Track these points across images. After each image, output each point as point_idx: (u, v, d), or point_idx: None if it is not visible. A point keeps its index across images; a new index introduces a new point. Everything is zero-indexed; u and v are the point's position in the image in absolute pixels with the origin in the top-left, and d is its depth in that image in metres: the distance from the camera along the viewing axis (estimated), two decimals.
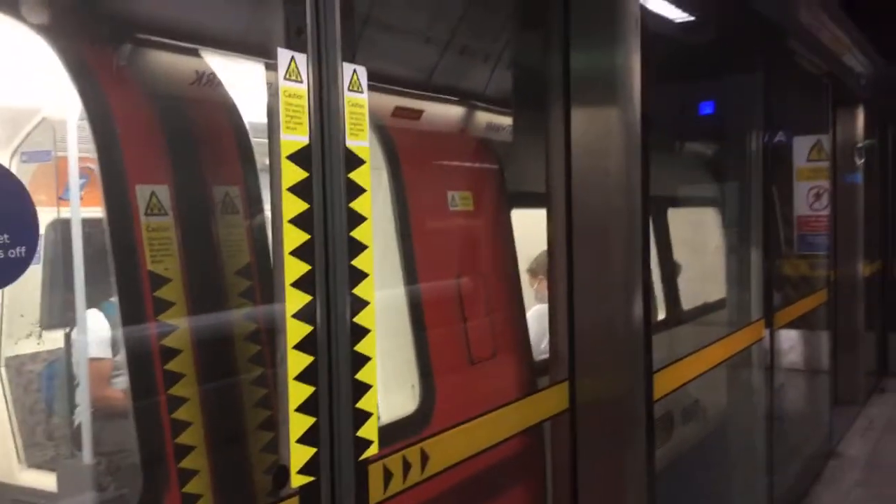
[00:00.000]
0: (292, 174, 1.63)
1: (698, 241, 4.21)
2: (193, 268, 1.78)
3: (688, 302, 3.78)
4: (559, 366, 2.71)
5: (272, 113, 1.64)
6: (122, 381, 3.77)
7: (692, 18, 3.57)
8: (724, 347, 3.59)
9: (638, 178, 2.63)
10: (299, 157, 1.64)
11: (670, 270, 3.81)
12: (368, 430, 1.81)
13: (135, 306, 1.69)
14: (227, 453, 1.77)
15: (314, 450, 1.69)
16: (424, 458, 2.04)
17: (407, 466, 1.99)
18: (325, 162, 1.70)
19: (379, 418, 1.84)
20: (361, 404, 1.79)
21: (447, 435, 2.15)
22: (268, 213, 1.80)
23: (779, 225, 4.61)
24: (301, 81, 1.65)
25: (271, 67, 1.62)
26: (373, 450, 1.82)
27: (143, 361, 1.70)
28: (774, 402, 4.35)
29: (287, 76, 1.62)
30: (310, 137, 1.67)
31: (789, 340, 4.80)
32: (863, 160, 7.10)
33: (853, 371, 7.14)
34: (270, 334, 1.79)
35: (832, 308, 6.03)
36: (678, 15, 3.42)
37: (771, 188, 4.39)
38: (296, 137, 1.64)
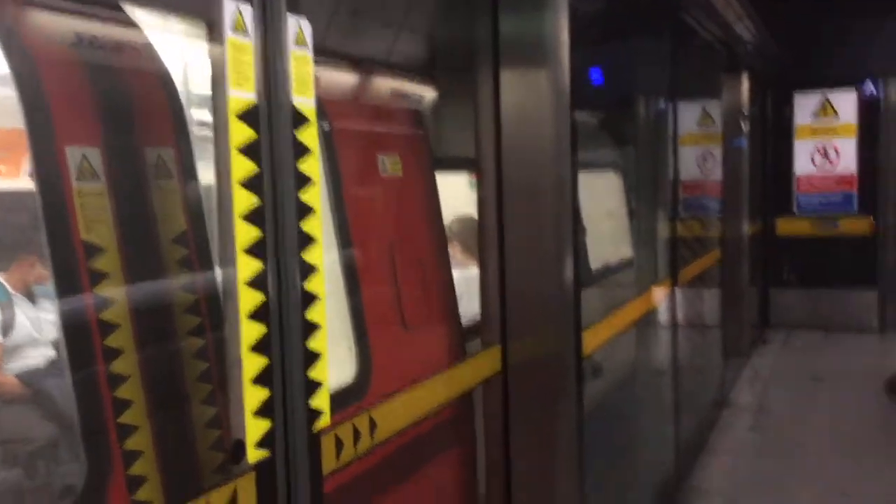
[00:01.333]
0: (241, 134, 1.54)
1: (607, 203, 4.29)
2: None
3: (601, 262, 3.85)
4: (492, 329, 2.71)
5: (217, 68, 1.54)
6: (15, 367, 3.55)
7: None
8: (641, 305, 3.69)
9: (568, 142, 2.65)
10: (247, 116, 1.55)
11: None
12: (320, 400, 1.76)
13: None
14: (175, 431, 1.68)
15: (269, 423, 1.62)
16: (372, 425, 2.01)
17: (357, 435, 1.95)
18: (273, 121, 1.62)
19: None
20: (313, 374, 1.73)
21: (392, 401, 2.12)
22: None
23: (679, 189, 4.75)
24: (247, 34, 1.55)
25: (213, 19, 1.52)
26: (325, 420, 1.77)
27: (80, 338, 1.58)
28: (677, 356, 4.52)
29: (234, 28, 1.52)
30: (257, 95, 1.58)
31: (688, 296, 4.97)
32: (747, 124, 7.40)
33: (739, 325, 7.50)
34: (215, 304, 1.70)
35: (721, 266, 6.29)
36: None
37: (674, 152, 4.52)
38: (243, 94, 1.55)
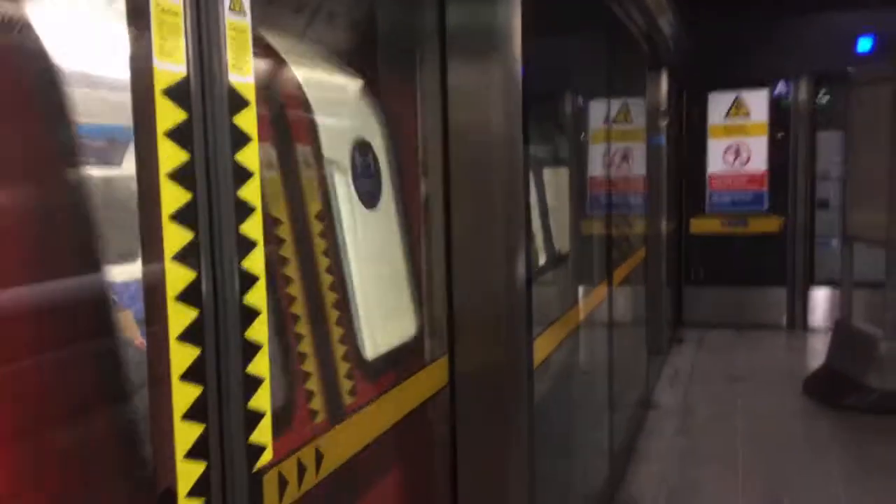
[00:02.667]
0: (169, 114, 1.26)
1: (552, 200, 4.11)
2: None
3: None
4: (439, 339, 2.47)
5: (136, 36, 1.26)
6: None
7: None
8: (585, 307, 3.52)
9: (520, 138, 2.44)
10: (177, 93, 1.27)
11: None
12: (262, 434, 1.48)
13: None
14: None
15: (204, 464, 1.35)
16: (319, 457, 1.74)
17: (302, 470, 1.67)
18: (206, 101, 1.34)
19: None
20: (254, 403, 1.46)
21: (339, 428, 1.85)
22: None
23: (612, 186, 4.62)
24: None
25: None
26: (267, 455, 1.50)
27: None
28: (613, 356, 4.39)
29: None
30: (187, 68, 1.30)
31: (620, 296, 4.86)
32: (666, 122, 7.40)
33: (658, 323, 7.49)
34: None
35: (645, 265, 6.23)
36: None
37: (609, 151, 4.38)
38: (172, 66, 1.26)
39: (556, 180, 3.95)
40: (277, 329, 1.81)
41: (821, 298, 8.78)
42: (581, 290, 3.68)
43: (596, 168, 4.31)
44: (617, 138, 4.98)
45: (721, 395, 6.38)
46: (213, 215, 1.35)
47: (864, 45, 8.09)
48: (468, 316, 2.48)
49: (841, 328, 6.51)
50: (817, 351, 7.47)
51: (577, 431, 3.81)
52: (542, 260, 3.51)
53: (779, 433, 5.44)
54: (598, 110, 4.36)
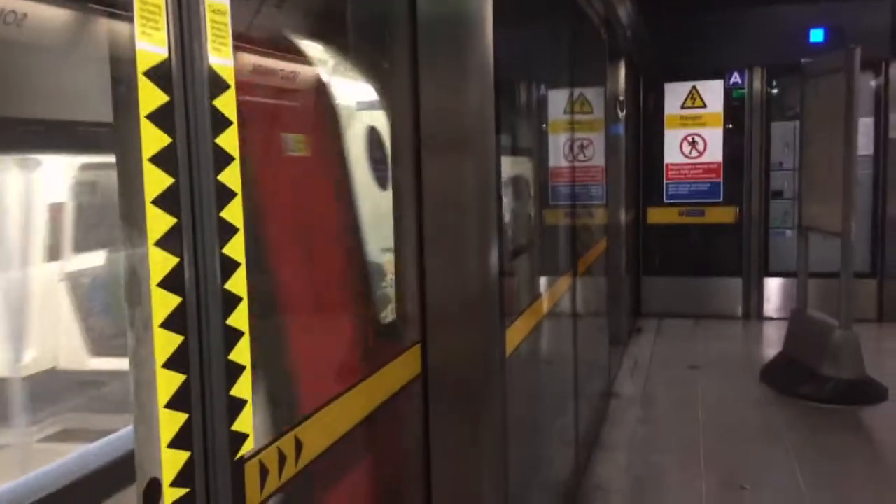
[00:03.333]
0: (151, 96, 1.23)
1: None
2: None
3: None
4: (411, 327, 2.46)
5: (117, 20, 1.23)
6: None
7: None
8: (551, 297, 3.54)
9: (492, 124, 2.43)
10: (158, 75, 1.24)
11: None
12: (244, 422, 1.47)
13: None
14: None
15: (188, 454, 1.32)
16: (299, 446, 1.72)
17: (282, 459, 1.66)
18: (187, 83, 1.31)
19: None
20: (236, 391, 1.44)
21: (318, 417, 1.83)
22: None
23: (574, 176, 4.64)
24: None
25: None
26: (248, 445, 1.49)
27: None
28: (577, 347, 4.42)
29: None
30: (169, 50, 1.27)
31: (584, 286, 4.89)
32: (624, 112, 7.46)
33: (617, 313, 7.56)
34: None
35: (609, 255, 6.29)
36: None
37: (571, 140, 4.40)
38: (153, 48, 1.24)
39: (520, 170, 3.96)
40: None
41: (776, 288, 8.94)
42: (547, 280, 3.69)
43: (558, 158, 4.33)
44: (578, 128, 5.00)
45: (680, 383, 6.47)
46: (194, 200, 1.33)
47: (816, 36, 8.26)
48: (441, 304, 2.47)
49: (797, 317, 6.64)
50: (772, 340, 7.63)
51: (546, 420, 3.83)
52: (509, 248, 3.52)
53: (737, 421, 5.53)
54: (559, 99, 4.37)
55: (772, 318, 8.82)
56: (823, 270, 6.67)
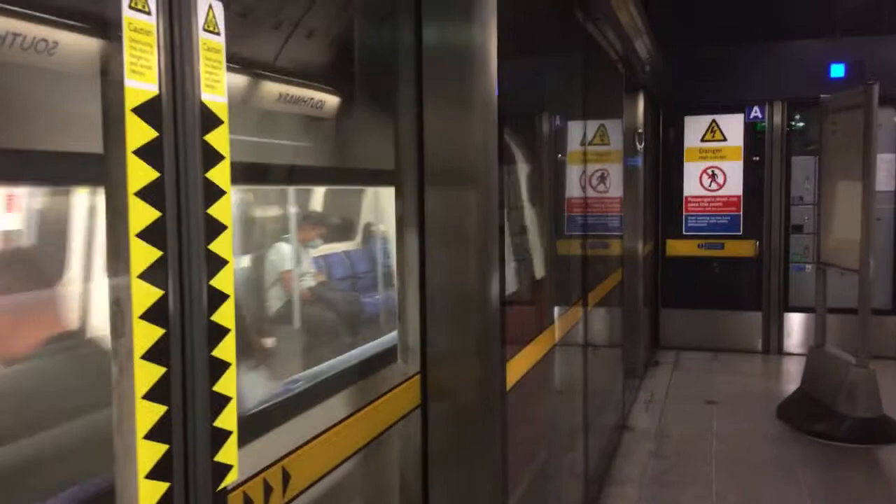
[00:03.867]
0: (139, 132, 1.26)
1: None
2: None
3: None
4: (411, 357, 2.47)
5: (107, 54, 1.26)
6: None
7: None
8: (560, 328, 3.53)
9: (496, 156, 2.45)
10: (148, 111, 1.27)
11: None
12: (228, 453, 1.47)
13: None
14: None
15: (167, 484, 1.33)
16: (286, 478, 1.73)
17: (268, 490, 1.66)
18: (178, 119, 1.34)
19: None
20: (220, 422, 1.45)
21: (307, 449, 1.84)
22: None
23: (587, 207, 4.65)
24: (149, 13, 1.27)
25: None
26: (232, 475, 1.49)
27: None
28: (587, 380, 4.39)
29: (132, 4, 1.24)
30: (159, 87, 1.30)
31: (596, 317, 4.87)
32: (643, 144, 7.46)
33: (634, 346, 7.51)
34: None
35: (622, 286, 6.26)
36: None
37: (584, 171, 4.41)
38: (143, 85, 1.26)
39: (534, 200, 3.98)
40: None
41: (796, 323, 8.84)
42: (555, 312, 3.69)
43: (572, 190, 4.33)
44: (593, 160, 5.02)
45: (696, 418, 6.40)
46: (181, 233, 1.35)
47: (837, 71, 8.22)
48: (441, 336, 2.48)
49: (815, 354, 6.56)
50: (791, 375, 7.54)
51: (552, 453, 3.80)
52: (515, 279, 3.52)
53: (752, 457, 5.46)
54: (574, 132, 4.39)
55: (792, 354, 8.71)
56: (843, 306, 6.59)
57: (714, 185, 8.87)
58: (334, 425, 1.98)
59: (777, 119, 8.72)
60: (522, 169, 3.94)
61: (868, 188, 5.63)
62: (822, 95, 6.57)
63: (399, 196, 2.51)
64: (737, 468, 5.23)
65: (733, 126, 8.81)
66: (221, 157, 1.45)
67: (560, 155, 4.31)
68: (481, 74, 2.44)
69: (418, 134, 2.45)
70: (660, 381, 7.68)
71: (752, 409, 6.60)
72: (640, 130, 7.37)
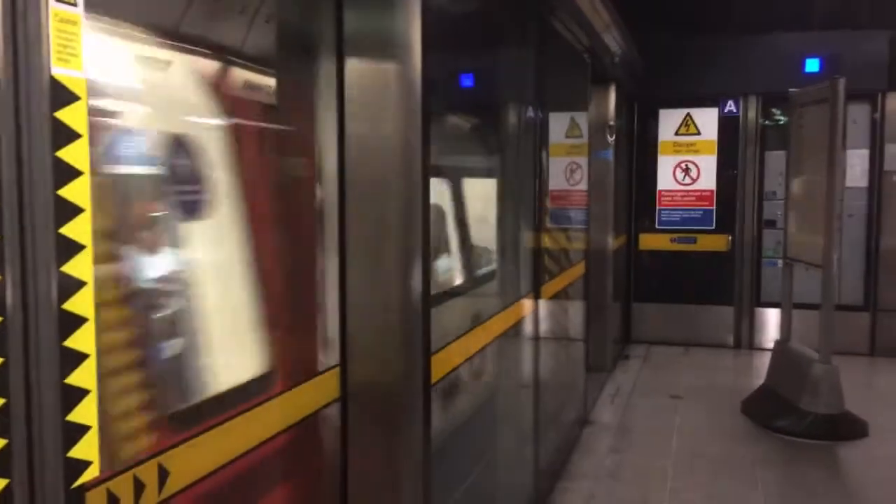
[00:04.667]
0: None
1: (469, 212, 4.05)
2: None
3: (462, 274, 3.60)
4: (330, 350, 2.40)
5: None
6: None
7: None
8: (500, 322, 3.46)
9: (419, 145, 2.38)
10: None
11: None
12: (85, 449, 1.40)
13: None
14: None
15: (5, 481, 1.26)
16: (163, 474, 1.65)
17: (139, 487, 1.59)
18: (21, 94, 1.26)
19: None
20: (75, 416, 1.37)
21: (193, 443, 1.76)
22: None
23: (546, 199, 4.58)
24: None
25: None
26: (92, 472, 1.42)
27: None
28: (539, 372, 4.33)
29: None
30: None
31: (552, 310, 4.81)
32: (613, 137, 7.39)
33: (602, 340, 7.47)
34: None
35: (587, 280, 6.20)
36: None
37: (540, 163, 4.34)
38: None
39: (481, 192, 3.91)
40: None
41: (768, 318, 8.81)
42: (499, 304, 3.62)
43: (528, 182, 4.26)
44: (553, 152, 4.94)
45: (659, 412, 6.35)
46: (23, 216, 1.27)
47: (812, 65, 8.18)
48: (361, 327, 2.41)
49: (779, 350, 6.52)
50: (760, 371, 7.47)
51: (493, 448, 3.74)
52: (457, 270, 3.46)
53: (711, 453, 5.42)
54: (532, 122, 4.31)
55: (764, 349, 8.66)
56: (815, 302, 6.56)
57: (688, 179, 8.82)
58: (228, 418, 1.90)
59: (751, 113, 8.67)
60: (468, 161, 3.87)
61: (833, 184, 5.58)
62: (790, 90, 6.51)
63: (319, 188, 2.43)
64: (695, 464, 5.18)
65: (708, 120, 8.75)
66: (78, 136, 1.37)
67: (516, 144, 4.24)
68: (404, 63, 2.37)
69: (339, 124, 2.38)
70: (628, 375, 7.64)
71: (716, 404, 6.56)
72: (610, 123, 7.30)
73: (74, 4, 1.37)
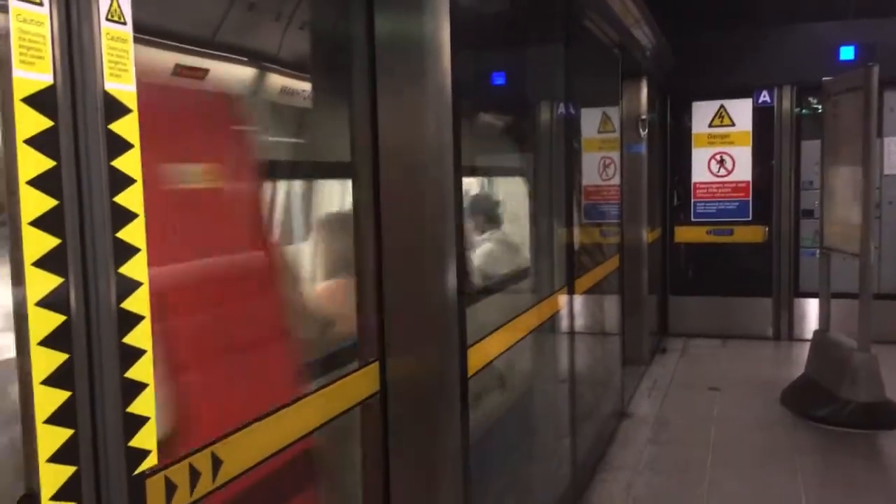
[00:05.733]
0: (30, 122, 1.27)
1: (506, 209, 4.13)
2: None
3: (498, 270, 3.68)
4: (369, 345, 2.48)
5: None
6: None
7: None
8: (534, 316, 3.52)
9: (450, 145, 2.45)
10: (39, 101, 1.28)
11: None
12: (145, 439, 1.50)
13: None
14: None
15: (73, 468, 1.36)
16: (217, 463, 1.75)
17: (195, 475, 1.68)
18: (78, 108, 1.36)
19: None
20: (134, 408, 1.47)
21: (243, 433, 1.86)
22: None
23: (578, 195, 4.63)
24: (41, 3, 1.29)
25: None
26: (151, 461, 1.51)
27: None
28: (575, 366, 4.38)
29: None
30: (54, 77, 1.31)
31: (587, 304, 4.86)
32: (646, 131, 7.40)
33: (639, 333, 7.49)
34: None
35: (621, 273, 6.23)
36: None
37: (572, 159, 4.39)
38: (34, 75, 1.28)
39: (514, 190, 3.97)
40: None
41: (808, 308, 8.73)
42: (533, 298, 3.69)
43: (561, 178, 4.31)
44: (586, 147, 4.99)
45: (698, 404, 6.37)
46: (84, 221, 1.37)
47: (847, 53, 8.10)
48: (399, 323, 2.49)
49: (819, 339, 6.49)
50: (799, 361, 7.43)
51: (531, 439, 3.81)
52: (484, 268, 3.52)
53: (750, 443, 5.42)
54: (563, 118, 4.36)
55: (804, 340, 8.57)
56: (851, 291, 6.50)
57: (723, 171, 8.79)
58: (276, 410, 1.99)
59: (786, 104, 8.60)
60: (500, 157, 3.94)
61: (868, 172, 5.55)
62: (824, 78, 6.47)
63: (356, 189, 2.52)
64: (734, 455, 5.19)
65: (742, 111, 8.71)
66: (130, 146, 1.46)
67: (548, 140, 4.29)
68: (433, 64, 2.44)
69: (373, 125, 2.46)
70: (666, 368, 7.65)
71: (755, 395, 6.55)
72: (643, 117, 7.31)
73: (124, 23, 1.46)
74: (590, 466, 4.82)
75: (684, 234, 9.02)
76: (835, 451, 5.27)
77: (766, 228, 8.71)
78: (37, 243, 1.29)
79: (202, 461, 1.71)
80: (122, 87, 1.44)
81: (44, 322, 1.30)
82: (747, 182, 8.74)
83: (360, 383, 2.43)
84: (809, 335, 8.43)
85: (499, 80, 4.03)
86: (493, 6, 3.72)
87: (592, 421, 5.04)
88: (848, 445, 5.36)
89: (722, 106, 8.72)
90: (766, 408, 6.21)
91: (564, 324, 4.16)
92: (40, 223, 1.29)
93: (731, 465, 5.01)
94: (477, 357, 2.76)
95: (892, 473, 4.98)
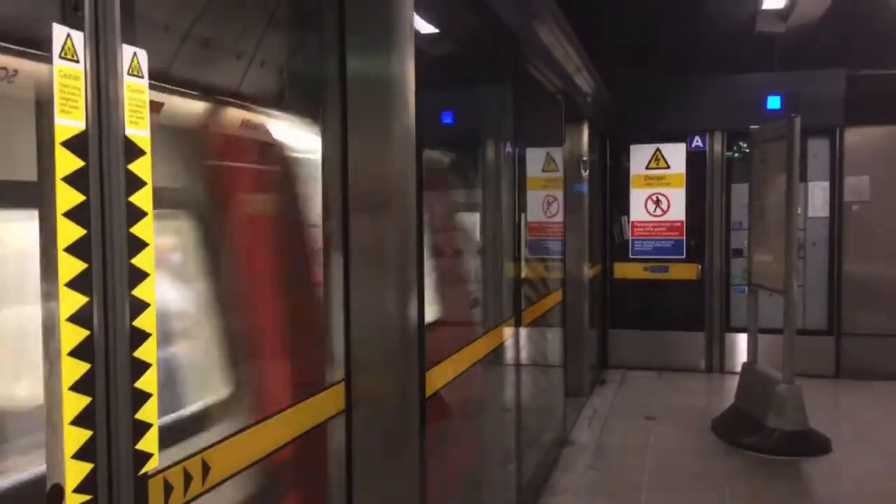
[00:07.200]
0: (67, 162, 1.48)
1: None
2: None
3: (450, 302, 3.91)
4: (336, 365, 2.69)
5: (42, 95, 1.48)
6: None
7: (446, 31, 3.71)
8: (484, 344, 3.76)
9: (414, 181, 2.69)
10: (75, 144, 1.49)
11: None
12: (148, 443, 1.68)
13: None
14: None
15: (91, 465, 1.54)
16: (206, 468, 1.94)
17: (188, 478, 1.87)
18: (103, 151, 1.56)
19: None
20: (141, 415, 1.66)
21: (228, 443, 2.05)
22: None
23: (523, 230, 4.90)
24: (77, 61, 1.50)
25: (43, 45, 1.47)
26: (153, 463, 1.70)
27: None
28: (521, 395, 4.63)
29: (62, 54, 1.46)
30: (86, 123, 1.52)
31: (532, 336, 5.12)
32: (587, 171, 7.77)
33: (580, 365, 7.78)
34: None
35: (564, 307, 6.52)
36: (434, 27, 3.54)
37: (520, 196, 4.67)
38: (71, 122, 1.49)
39: (466, 225, 4.22)
40: None
41: (738, 342, 9.15)
42: (482, 328, 3.93)
43: (507, 214, 4.58)
44: (531, 185, 5.29)
45: (635, 433, 6.66)
46: (105, 249, 1.57)
47: (773, 103, 8.63)
48: (363, 346, 2.70)
49: (747, 371, 6.87)
50: (729, 393, 7.80)
51: (480, 461, 4.02)
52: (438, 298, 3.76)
53: (683, 469, 5.72)
54: (509, 157, 4.65)
55: (734, 373, 8.99)
56: (778, 326, 6.90)
57: (658, 211, 9.21)
58: (258, 422, 2.19)
59: (717, 148, 9.10)
60: (455, 194, 4.19)
61: (791, 214, 5.97)
62: (751, 126, 6.93)
63: (326, 218, 2.74)
64: (668, 480, 5.48)
65: (676, 154, 9.17)
66: (144, 183, 1.67)
67: (495, 179, 4.57)
68: (400, 105, 2.68)
69: (342, 161, 2.68)
70: (605, 398, 7.95)
71: (689, 424, 6.88)
72: (584, 158, 7.68)
73: (142, 77, 1.68)
74: (534, 490, 5.05)
75: (623, 270, 9.41)
76: (762, 477, 5.60)
77: (699, 266, 9.15)
78: (69, 266, 1.48)
79: (194, 466, 1.90)
80: (140, 132, 1.66)
81: (72, 335, 1.49)
82: (681, 222, 9.18)
83: (329, 400, 2.63)
84: (739, 368, 8.90)
85: (448, 119, 4.31)
86: (447, 49, 3.99)
87: (536, 447, 5.27)
88: (774, 471, 5.69)
89: (658, 149, 9.18)
90: (698, 436, 6.54)
91: (511, 354, 4.41)
92: (72, 249, 1.49)
93: (665, 490, 5.29)
94: (434, 380, 2.98)
95: (815, 497, 5.31)
